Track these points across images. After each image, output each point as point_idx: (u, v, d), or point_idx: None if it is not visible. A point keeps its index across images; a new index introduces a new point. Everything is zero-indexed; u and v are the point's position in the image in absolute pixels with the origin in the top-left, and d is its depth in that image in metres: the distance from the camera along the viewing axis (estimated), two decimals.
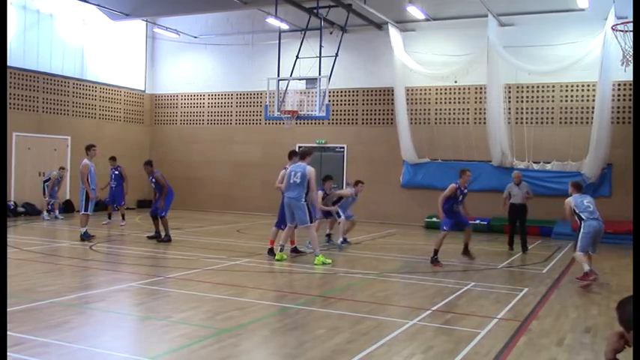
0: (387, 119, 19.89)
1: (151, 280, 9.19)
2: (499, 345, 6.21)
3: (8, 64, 18.47)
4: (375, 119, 20.30)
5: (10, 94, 18.58)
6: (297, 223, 11.35)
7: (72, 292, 8.21)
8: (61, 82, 20.22)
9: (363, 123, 20.47)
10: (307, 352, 5.84)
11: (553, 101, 17.93)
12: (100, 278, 9.62)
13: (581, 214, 10.00)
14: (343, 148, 20.62)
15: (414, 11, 17.82)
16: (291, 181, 11.02)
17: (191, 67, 23.05)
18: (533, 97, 18.14)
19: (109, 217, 17.09)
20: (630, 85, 16.56)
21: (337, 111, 20.47)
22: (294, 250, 12.15)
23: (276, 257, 11.36)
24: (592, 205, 10.14)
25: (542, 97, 18.05)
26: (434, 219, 18.36)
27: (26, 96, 19.11)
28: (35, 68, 19.35)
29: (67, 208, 19.50)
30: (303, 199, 11.05)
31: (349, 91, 20.56)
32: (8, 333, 6.03)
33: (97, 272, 10.14)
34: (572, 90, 17.67)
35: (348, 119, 20.63)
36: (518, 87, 18.15)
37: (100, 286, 8.86)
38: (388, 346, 6.13)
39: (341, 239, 13.68)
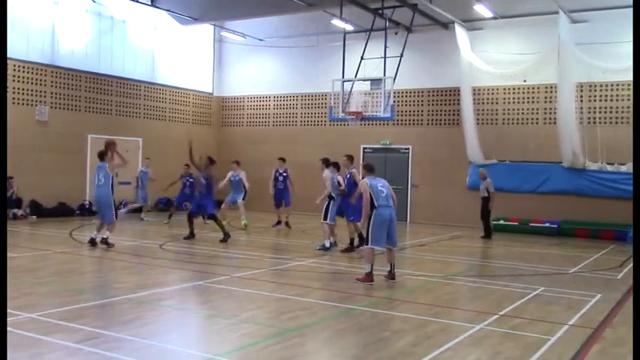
0: (453, 120, 19.59)
1: (218, 279, 9.38)
2: (570, 352, 6.02)
3: (84, 69, 19.27)
4: (440, 120, 20.03)
5: (86, 97, 19.37)
6: None
7: (144, 289, 8.47)
8: (133, 85, 20.91)
9: (428, 124, 20.23)
10: (372, 354, 5.83)
11: (629, 100, 17.20)
12: (170, 276, 9.89)
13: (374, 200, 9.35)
14: (408, 149, 20.45)
15: (482, 9, 17.48)
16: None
17: (257, 69, 23.38)
18: (607, 95, 17.47)
19: (170, 217, 17.60)
20: None
21: (402, 112, 20.31)
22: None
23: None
24: (386, 190, 9.50)
25: (617, 95, 17.36)
26: (501, 221, 17.99)
27: (100, 99, 19.86)
28: (109, 72, 20.09)
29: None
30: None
31: (414, 92, 20.37)
32: (83, 327, 6.30)
33: (167, 270, 10.43)
34: None
35: (413, 120, 20.45)
36: (590, 85, 17.52)
37: (169, 284, 9.11)
38: (454, 350, 6.05)
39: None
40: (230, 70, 24.06)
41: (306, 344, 6.23)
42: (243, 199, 16.26)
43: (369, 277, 9.31)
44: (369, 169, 9.83)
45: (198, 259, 11.58)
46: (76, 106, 19.15)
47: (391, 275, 9.55)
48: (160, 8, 20.72)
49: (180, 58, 22.62)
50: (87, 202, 18.87)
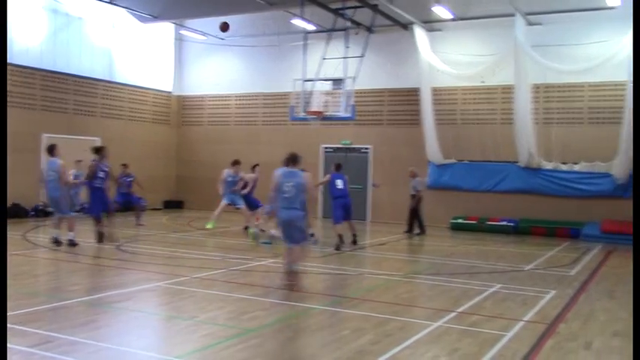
0: (413, 120, 19.79)
1: (177, 280, 9.27)
2: (525, 348, 6.14)
3: (39, 66, 18.84)
4: (400, 120, 20.22)
5: (41, 95, 18.93)
6: None
7: (100, 291, 8.33)
8: (91, 84, 20.52)
9: (388, 123, 20.40)
10: (331, 353, 5.84)
11: (582, 101, 17.67)
12: (127, 277, 9.73)
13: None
14: (368, 148, 20.58)
15: (441, 11, 17.70)
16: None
17: (218, 68, 23.22)
18: (562, 96, 17.89)
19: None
20: None
21: (362, 112, 20.41)
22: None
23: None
24: (294, 191, 8.70)
25: (572, 96, 17.80)
26: (460, 220, 18.27)
27: (56, 98, 19.44)
28: (65, 70, 19.67)
29: None
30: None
31: (375, 92, 20.50)
32: (37, 331, 6.16)
33: (123, 272, 10.25)
34: (601, 90, 17.39)
35: (374, 120, 20.59)
36: (546, 87, 17.93)
37: (126, 286, 8.96)
38: (413, 347, 6.11)
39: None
40: (190, 69, 23.83)
41: (265, 344, 6.21)
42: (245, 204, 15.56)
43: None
44: (289, 161, 9.03)
45: (157, 260, 11.43)
46: (30, 104, 18.69)
47: (289, 278, 8.93)
48: (118, 5, 20.35)
49: (139, 56, 22.30)
50: (41, 204, 18.45)
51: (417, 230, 16.73)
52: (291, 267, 8.98)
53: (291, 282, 8.84)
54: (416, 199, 16.59)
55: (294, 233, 8.86)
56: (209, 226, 15.66)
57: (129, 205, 17.35)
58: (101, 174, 12.96)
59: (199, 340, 6.18)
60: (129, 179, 17.30)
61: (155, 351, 5.95)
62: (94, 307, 7.42)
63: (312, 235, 13.72)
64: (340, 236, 13.45)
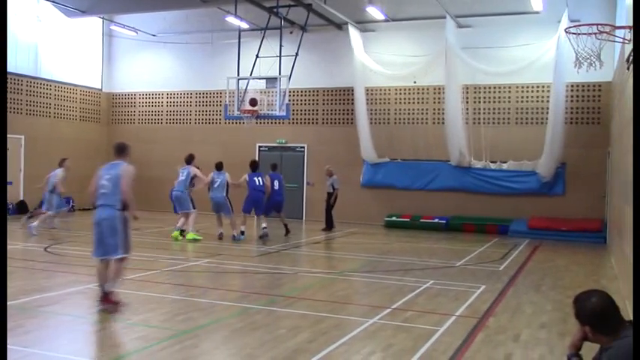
0: (347, 119, 19.97)
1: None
2: (457, 342, 6.31)
3: None
4: (335, 119, 20.36)
5: None
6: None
7: (26, 295, 8.01)
8: (14, 80, 19.67)
9: (323, 123, 20.50)
10: (268, 352, 5.83)
11: (509, 102, 18.27)
12: (55, 280, 9.40)
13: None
14: (303, 147, 20.62)
15: (374, 12, 17.93)
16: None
17: (149, 65, 22.71)
18: (490, 97, 18.45)
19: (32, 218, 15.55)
20: (583, 86, 17.04)
21: (297, 110, 20.45)
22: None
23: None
24: (110, 185, 7.42)
25: (499, 97, 18.38)
26: (394, 218, 18.57)
27: None
28: None
29: (21, 209, 18.95)
30: None
31: (309, 91, 20.57)
32: None
33: (52, 274, 9.90)
34: (527, 91, 18.04)
35: (309, 119, 20.65)
36: (475, 88, 18.44)
37: (55, 289, 8.65)
38: (348, 344, 6.17)
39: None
40: (121, 65, 23.22)
41: (200, 345, 6.13)
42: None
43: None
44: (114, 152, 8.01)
45: (87, 262, 11.07)
46: None
47: (105, 297, 7.28)
48: None
49: (67, 52, 21.54)
50: None
51: (323, 226, 17.19)
52: (105, 287, 7.30)
53: (109, 305, 7.23)
54: (333, 197, 17.01)
55: (106, 238, 7.25)
56: (193, 237, 14.11)
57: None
58: None
59: (132, 343, 6.05)
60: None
61: (85, 356, 5.78)
62: (21, 312, 7.13)
63: (264, 227, 14.35)
64: (243, 224, 14.47)
